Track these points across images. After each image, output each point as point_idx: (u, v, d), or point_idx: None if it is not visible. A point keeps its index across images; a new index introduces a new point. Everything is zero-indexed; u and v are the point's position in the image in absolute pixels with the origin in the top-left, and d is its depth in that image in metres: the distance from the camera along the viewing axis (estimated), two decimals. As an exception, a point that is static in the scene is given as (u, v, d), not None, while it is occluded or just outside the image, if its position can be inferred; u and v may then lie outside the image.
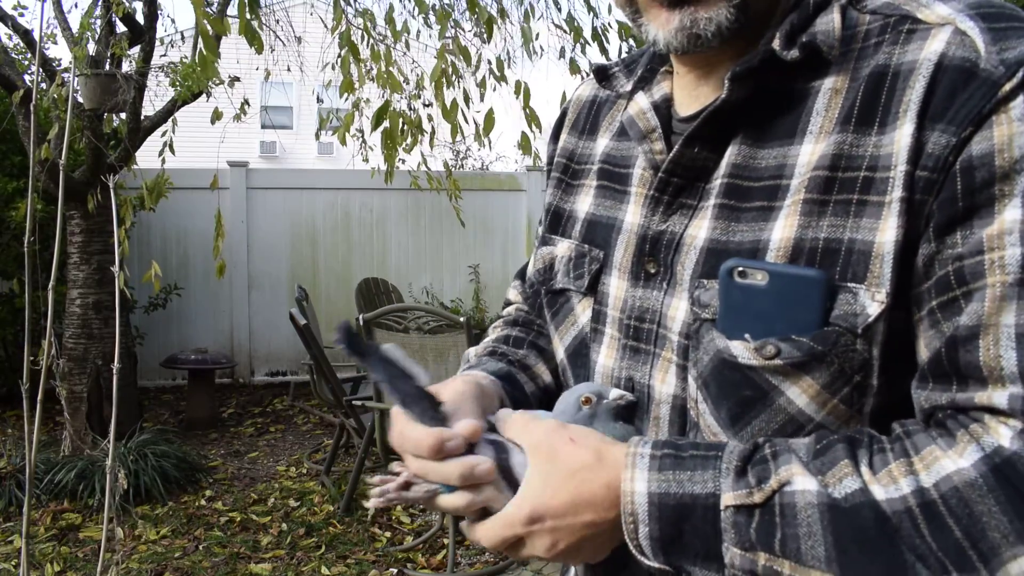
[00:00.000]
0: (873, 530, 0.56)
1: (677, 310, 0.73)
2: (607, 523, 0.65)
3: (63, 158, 1.53)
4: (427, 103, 5.10)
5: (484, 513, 0.70)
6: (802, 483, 0.59)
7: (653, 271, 0.76)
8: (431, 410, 0.70)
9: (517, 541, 0.67)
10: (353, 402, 4.17)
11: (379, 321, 3.86)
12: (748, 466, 0.62)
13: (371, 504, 0.73)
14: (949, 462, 0.56)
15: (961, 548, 0.54)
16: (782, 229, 0.66)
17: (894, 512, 0.56)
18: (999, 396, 0.56)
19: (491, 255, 7.57)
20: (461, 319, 3.76)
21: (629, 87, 0.85)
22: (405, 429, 0.70)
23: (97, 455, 4.27)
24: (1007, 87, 0.59)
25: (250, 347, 7.13)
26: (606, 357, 0.81)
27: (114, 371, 1.60)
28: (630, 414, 0.75)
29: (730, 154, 0.72)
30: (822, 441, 0.62)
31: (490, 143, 4.57)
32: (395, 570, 3.53)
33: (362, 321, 3.81)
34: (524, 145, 4.45)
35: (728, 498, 0.60)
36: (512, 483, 0.68)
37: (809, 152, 0.67)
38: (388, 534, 3.89)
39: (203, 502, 4.30)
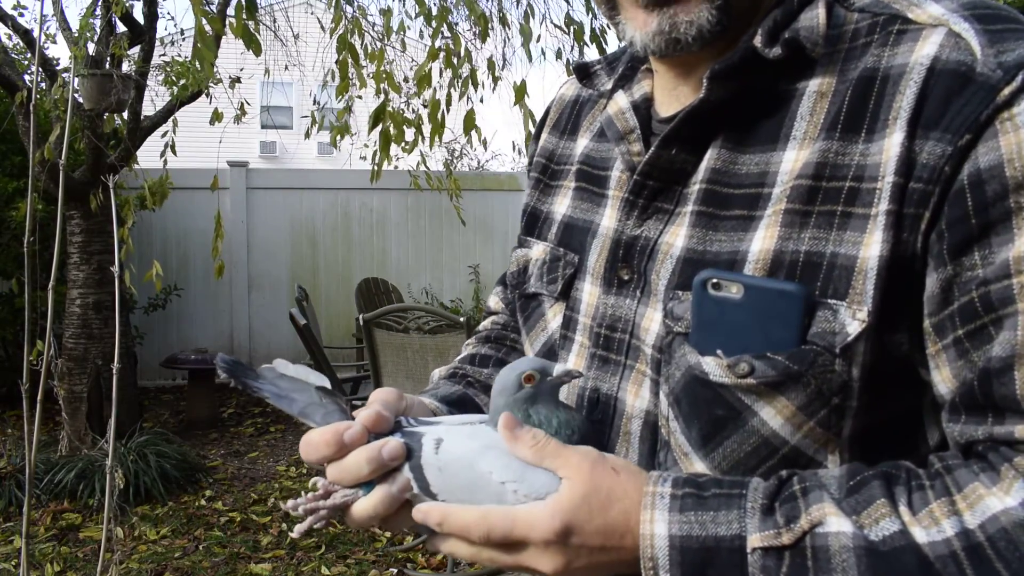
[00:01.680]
0: None
1: (652, 321, 0.69)
2: (626, 562, 0.60)
3: (63, 158, 1.53)
4: (426, 103, 5.10)
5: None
6: (836, 524, 0.55)
7: (627, 278, 0.73)
8: (337, 411, 0.66)
9: (516, 546, 0.61)
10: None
11: (379, 321, 3.87)
12: (775, 503, 0.58)
13: (295, 531, 0.67)
14: (995, 500, 0.52)
15: None
16: (762, 240, 0.63)
17: (938, 556, 0.52)
18: None
19: (491, 255, 7.57)
20: (461, 319, 3.76)
21: (610, 86, 0.81)
22: (309, 435, 0.66)
23: (97, 455, 4.27)
24: (1006, 92, 0.55)
25: (250, 347, 7.13)
26: (573, 365, 0.77)
27: (114, 371, 1.60)
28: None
29: (710, 158, 0.69)
30: (855, 476, 0.58)
31: (486, 143, 4.59)
32: (395, 570, 3.53)
33: (362, 321, 3.81)
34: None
35: (755, 540, 0.56)
36: (422, 482, 0.62)
37: (792, 159, 0.64)
38: (388, 534, 3.89)
39: (203, 502, 4.30)
